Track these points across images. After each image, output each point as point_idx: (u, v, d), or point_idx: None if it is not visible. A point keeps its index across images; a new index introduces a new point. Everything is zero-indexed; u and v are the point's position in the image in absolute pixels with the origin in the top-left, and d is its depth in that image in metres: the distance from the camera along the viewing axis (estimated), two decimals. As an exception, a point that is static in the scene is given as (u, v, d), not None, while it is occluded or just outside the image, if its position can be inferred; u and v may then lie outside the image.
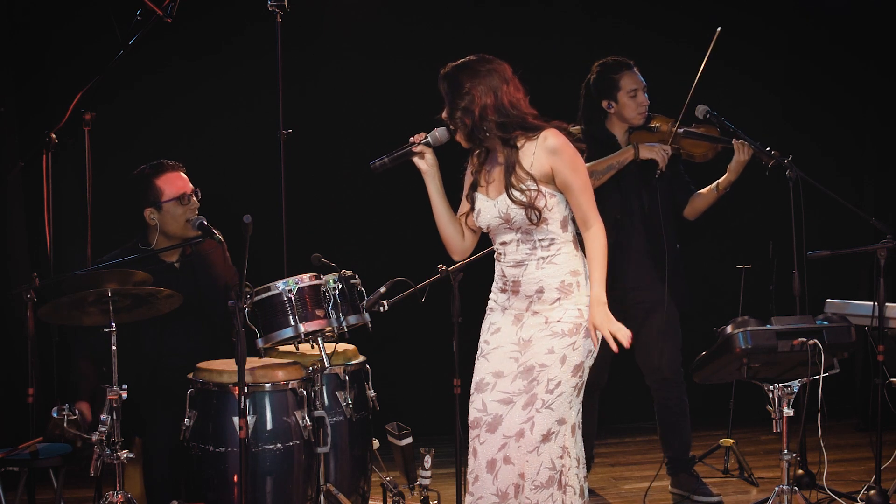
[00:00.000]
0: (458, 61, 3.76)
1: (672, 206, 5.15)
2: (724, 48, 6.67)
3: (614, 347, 3.71)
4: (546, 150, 3.71)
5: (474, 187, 3.87)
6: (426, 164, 3.85)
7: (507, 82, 3.73)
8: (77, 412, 4.15)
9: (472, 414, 3.81)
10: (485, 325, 3.91)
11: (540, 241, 3.76)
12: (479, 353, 3.88)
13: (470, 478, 3.80)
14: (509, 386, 3.75)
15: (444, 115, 3.79)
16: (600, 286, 3.73)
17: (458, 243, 3.94)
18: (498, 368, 3.79)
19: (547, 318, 3.75)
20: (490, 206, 3.79)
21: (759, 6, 6.81)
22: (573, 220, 3.80)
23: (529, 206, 3.70)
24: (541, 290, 3.76)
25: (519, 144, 3.73)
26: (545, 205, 3.72)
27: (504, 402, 3.75)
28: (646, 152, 4.94)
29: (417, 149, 3.83)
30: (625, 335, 3.70)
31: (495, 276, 3.90)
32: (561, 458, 3.75)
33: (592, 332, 3.74)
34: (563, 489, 3.75)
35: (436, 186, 3.87)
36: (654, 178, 4.95)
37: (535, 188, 3.70)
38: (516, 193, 3.70)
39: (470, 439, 3.82)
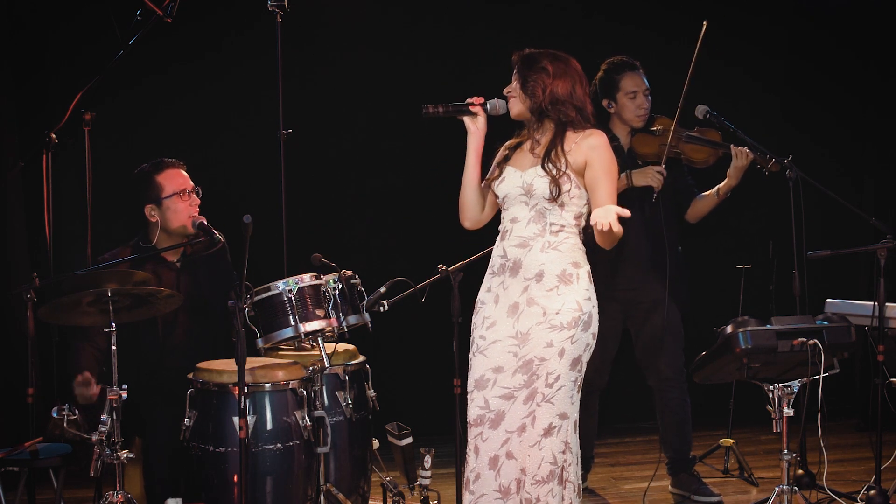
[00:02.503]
0: (529, 54, 3.90)
1: (674, 208, 5.14)
2: (724, 48, 6.71)
3: (603, 223, 3.61)
4: (587, 145, 3.82)
5: (506, 160, 3.94)
6: (476, 127, 3.93)
7: (581, 77, 3.89)
8: (77, 412, 4.13)
9: (475, 412, 3.81)
10: (477, 320, 3.90)
11: (551, 224, 3.80)
12: (475, 349, 3.87)
13: (471, 476, 3.80)
14: (510, 381, 3.77)
15: (507, 89, 3.90)
16: None
17: (476, 212, 4.00)
18: (497, 364, 3.80)
19: (545, 310, 3.76)
20: (516, 176, 3.86)
21: (759, 6, 6.81)
22: (587, 219, 3.85)
23: (554, 181, 3.77)
24: (541, 275, 3.78)
25: (568, 133, 3.84)
26: (568, 189, 3.79)
27: (505, 398, 3.77)
28: (640, 179, 4.90)
29: (475, 109, 3.91)
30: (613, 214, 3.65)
31: (493, 258, 3.92)
32: (563, 452, 3.76)
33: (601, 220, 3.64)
34: (563, 484, 3.76)
35: (476, 152, 3.94)
36: (653, 193, 4.92)
37: (565, 170, 3.79)
38: (549, 166, 3.78)
39: (471, 437, 3.81)
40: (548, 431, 3.72)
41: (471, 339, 3.91)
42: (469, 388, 3.86)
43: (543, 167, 3.80)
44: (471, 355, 3.89)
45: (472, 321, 3.93)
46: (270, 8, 4.95)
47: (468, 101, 3.93)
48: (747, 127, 5.01)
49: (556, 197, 3.78)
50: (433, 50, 6.45)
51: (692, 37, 6.65)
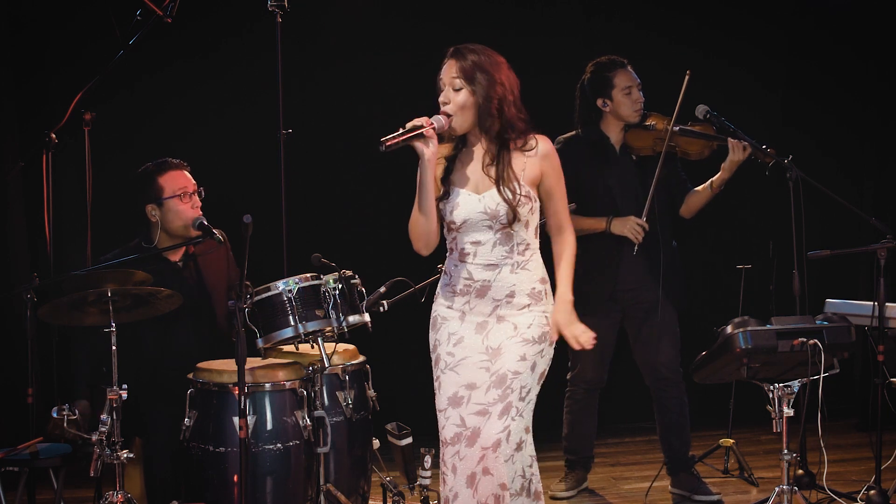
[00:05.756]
0: (464, 49, 3.64)
1: (669, 204, 5.15)
2: (724, 48, 6.71)
3: (575, 346, 3.68)
4: (539, 156, 3.68)
5: (447, 174, 3.71)
6: (431, 151, 3.60)
7: (511, 79, 3.66)
8: (76, 413, 4.14)
9: (451, 430, 3.70)
10: (440, 336, 3.78)
11: (517, 244, 3.68)
12: (443, 366, 3.76)
13: (449, 495, 3.69)
14: (483, 397, 3.68)
15: (445, 99, 3.64)
16: (567, 286, 3.70)
17: (435, 238, 3.72)
18: (470, 380, 3.71)
19: (516, 325, 3.69)
20: (473, 201, 3.66)
21: (759, 6, 6.81)
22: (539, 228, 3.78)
23: (512, 208, 3.62)
24: (511, 295, 3.69)
25: (512, 146, 3.67)
26: (530, 209, 3.68)
27: (480, 414, 3.67)
28: (618, 229, 4.90)
29: (429, 133, 3.59)
30: (587, 339, 3.67)
31: (452, 277, 3.74)
32: (530, 466, 3.74)
33: (553, 331, 3.69)
34: (533, 496, 3.74)
35: (434, 177, 3.65)
36: (650, 178, 4.94)
37: (525, 192, 3.65)
38: (507, 192, 3.62)
39: (448, 456, 3.70)
40: (519, 446, 3.67)
41: (433, 355, 3.80)
42: (441, 406, 3.75)
43: (501, 194, 3.61)
44: (438, 372, 3.78)
45: (433, 337, 3.81)
46: (270, 8, 4.94)
47: (417, 123, 3.59)
48: (747, 127, 5.01)
49: (522, 223, 3.65)
50: (433, 49, 6.40)
51: (693, 37, 6.69)
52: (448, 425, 3.72)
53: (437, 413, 3.78)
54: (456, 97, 3.64)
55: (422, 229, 3.68)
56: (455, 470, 3.68)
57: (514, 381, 3.66)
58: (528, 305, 3.71)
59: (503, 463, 3.64)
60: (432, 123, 3.60)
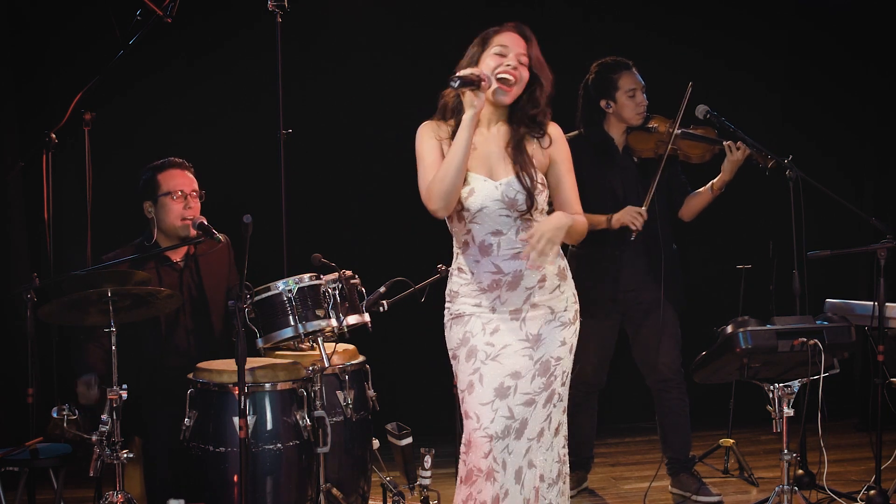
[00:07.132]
0: (530, 33, 3.65)
1: (669, 207, 5.15)
2: (724, 48, 6.71)
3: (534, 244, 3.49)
4: (549, 141, 3.66)
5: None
6: (480, 102, 3.51)
7: (551, 79, 3.69)
8: (77, 412, 4.14)
9: (501, 423, 3.55)
10: (472, 328, 3.62)
11: None
12: (482, 356, 3.59)
13: (500, 492, 3.55)
14: (529, 386, 3.60)
15: (509, 69, 3.56)
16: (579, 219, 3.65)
17: (455, 198, 3.56)
18: (515, 369, 3.60)
19: (552, 309, 3.64)
20: (490, 188, 3.57)
21: (759, 6, 6.81)
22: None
23: (536, 195, 3.56)
24: (543, 279, 3.61)
25: (524, 132, 3.63)
26: (546, 197, 3.63)
27: (527, 404, 3.60)
28: (617, 219, 4.85)
29: (483, 87, 3.49)
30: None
31: (474, 275, 3.61)
32: (564, 447, 3.72)
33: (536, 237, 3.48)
34: (564, 479, 3.72)
35: (473, 131, 3.54)
36: (651, 178, 4.94)
37: (541, 179, 3.60)
38: (527, 179, 3.56)
39: (496, 452, 3.54)
40: (557, 430, 3.67)
41: (463, 349, 3.63)
42: (485, 399, 3.56)
43: (520, 180, 3.55)
44: (476, 364, 3.59)
45: (459, 331, 3.64)
46: (270, 8, 4.95)
47: (476, 71, 3.50)
48: (747, 127, 5.01)
49: (537, 209, 3.58)
50: (433, 50, 6.42)
51: (693, 37, 6.69)
52: (497, 418, 3.56)
53: (479, 407, 3.56)
54: (522, 72, 3.60)
55: (448, 185, 3.50)
56: (505, 466, 3.57)
57: (557, 368, 3.64)
58: (559, 286, 3.67)
59: (544, 452, 3.63)
60: (485, 79, 3.52)
